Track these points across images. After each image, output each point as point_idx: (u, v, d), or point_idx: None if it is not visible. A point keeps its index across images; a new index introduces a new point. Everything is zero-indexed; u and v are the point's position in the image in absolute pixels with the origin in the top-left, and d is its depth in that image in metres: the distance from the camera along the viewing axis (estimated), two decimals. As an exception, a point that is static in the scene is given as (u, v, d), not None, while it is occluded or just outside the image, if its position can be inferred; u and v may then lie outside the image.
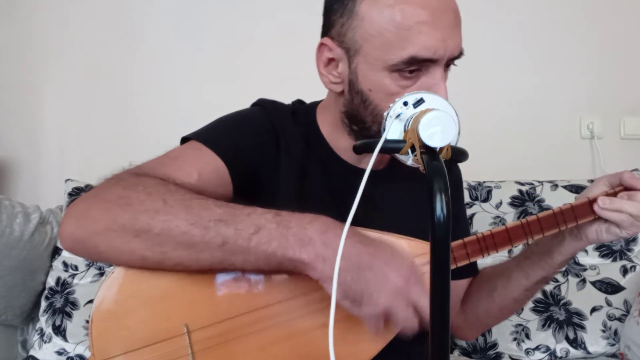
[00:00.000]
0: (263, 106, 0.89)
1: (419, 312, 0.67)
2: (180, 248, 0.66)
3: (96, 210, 0.68)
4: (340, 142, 0.87)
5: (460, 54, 0.76)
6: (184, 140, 0.83)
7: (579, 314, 1.41)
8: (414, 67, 0.73)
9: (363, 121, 0.80)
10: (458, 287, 0.99)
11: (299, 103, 0.94)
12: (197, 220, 0.66)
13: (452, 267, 0.79)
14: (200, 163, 0.77)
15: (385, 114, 0.67)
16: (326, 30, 0.81)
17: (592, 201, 0.82)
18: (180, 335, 0.71)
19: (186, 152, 0.80)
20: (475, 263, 1.01)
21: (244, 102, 0.94)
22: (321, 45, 0.81)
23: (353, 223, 0.63)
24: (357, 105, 0.79)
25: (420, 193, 0.93)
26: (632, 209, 0.80)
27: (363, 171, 0.87)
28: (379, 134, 0.78)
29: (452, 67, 0.78)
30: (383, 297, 0.64)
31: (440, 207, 0.48)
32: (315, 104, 0.92)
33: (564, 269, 1.45)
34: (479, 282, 0.99)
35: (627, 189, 0.83)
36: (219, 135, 0.83)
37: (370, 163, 0.59)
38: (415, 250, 0.75)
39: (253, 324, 0.72)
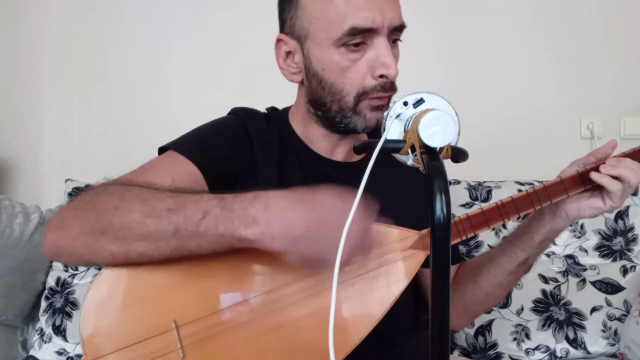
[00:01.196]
0: (236, 114, 0.93)
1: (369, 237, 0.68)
2: (140, 239, 0.69)
3: (69, 219, 0.74)
4: (312, 134, 0.91)
5: (401, 26, 0.82)
6: (162, 151, 0.87)
7: (579, 314, 1.41)
8: (358, 40, 0.80)
9: (324, 103, 0.85)
10: None
11: (272, 109, 0.99)
12: (151, 212, 0.69)
13: None
14: (174, 169, 0.81)
15: (385, 113, 0.67)
16: (281, 29, 0.88)
17: (565, 180, 0.84)
18: (170, 331, 0.72)
19: (161, 161, 0.85)
20: (458, 251, 1.07)
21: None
22: (278, 41, 0.88)
23: None
24: (316, 89, 0.85)
25: (399, 181, 0.94)
26: (629, 173, 0.81)
27: (336, 163, 0.92)
28: (339, 114, 0.84)
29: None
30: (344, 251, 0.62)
31: (440, 207, 0.48)
32: (287, 108, 0.97)
33: (564, 268, 1.45)
34: (465, 270, 1.01)
35: (599, 165, 0.84)
36: (194, 144, 0.87)
37: (370, 163, 0.59)
38: (396, 237, 0.78)
39: (240, 316, 0.73)
